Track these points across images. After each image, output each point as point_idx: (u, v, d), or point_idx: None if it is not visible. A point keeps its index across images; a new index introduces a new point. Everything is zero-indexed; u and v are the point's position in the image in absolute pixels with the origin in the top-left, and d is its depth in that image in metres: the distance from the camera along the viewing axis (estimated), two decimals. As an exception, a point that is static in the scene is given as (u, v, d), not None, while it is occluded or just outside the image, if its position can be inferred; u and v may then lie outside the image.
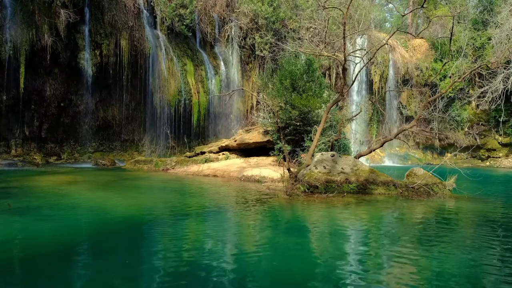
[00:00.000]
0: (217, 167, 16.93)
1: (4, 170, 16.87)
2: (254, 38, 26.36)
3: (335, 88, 26.63)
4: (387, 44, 25.85)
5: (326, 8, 13.97)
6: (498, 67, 25.08)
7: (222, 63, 26.13)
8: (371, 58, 15.83)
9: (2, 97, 20.18)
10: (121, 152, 24.29)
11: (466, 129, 28.89)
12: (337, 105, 16.38)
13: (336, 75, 28.32)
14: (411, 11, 31.63)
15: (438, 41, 29.10)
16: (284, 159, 13.27)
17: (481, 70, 24.40)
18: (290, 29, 26.74)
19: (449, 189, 11.05)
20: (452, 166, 12.18)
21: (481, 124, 28.81)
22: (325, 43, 14.75)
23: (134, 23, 22.87)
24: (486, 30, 27.70)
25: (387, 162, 28.40)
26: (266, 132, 18.42)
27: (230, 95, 21.91)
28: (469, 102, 28.34)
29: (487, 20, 27.63)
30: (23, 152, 21.29)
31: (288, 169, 10.82)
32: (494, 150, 28.59)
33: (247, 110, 27.37)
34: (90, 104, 23.00)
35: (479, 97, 26.24)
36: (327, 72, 28.33)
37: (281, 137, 12.35)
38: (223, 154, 19.70)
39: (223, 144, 20.01)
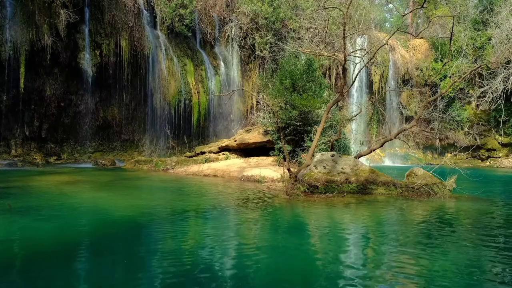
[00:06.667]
0: (217, 167, 16.93)
1: (4, 170, 16.87)
2: (254, 38, 26.35)
3: (335, 88, 26.62)
4: (387, 44, 25.84)
5: (326, 8, 13.98)
6: (498, 67, 25.08)
7: (222, 63, 26.12)
8: (371, 58, 15.83)
9: (2, 97, 20.17)
10: (121, 152, 24.28)
11: (466, 129, 28.88)
12: (337, 105, 16.37)
13: (336, 75, 28.31)
14: (411, 11, 31.64)
15: (438, 41, 29.09)
16: (284, 159, 13.27)
17: (481, 70, 24.38)
18: (290, 29, 26.74)
19: (449, 189, 11.05)
20: (452, 166, 12.18)
21: (481, 124, 28.80)
22: (325, 43, 14.76)
23: (134, 23, 22.86)
24: (486, 30, 27.68)
25: (387, 162, 28.39)
26: (266, 132, 18.42)
27: (230, 95, 21.92)
28: (469, 102, 28.33)
29: (487, 20, 27.62)
30: (23, 152, 21.28)
31: (288, 169, 10.82)
32: (494, 150, 28.58)
33: (247, 110, 27.36)
34: (90, 104, 22.99)
35: (479, 97, 26.24)
36: (327, 72, 28.32)
37: (281, 137, 12.35)
38: (223, 154, 19.69)
39: (223, 144, 20.00)
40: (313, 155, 11.61)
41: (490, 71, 25.43)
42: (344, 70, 12.12)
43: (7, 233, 6.19)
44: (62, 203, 9.00)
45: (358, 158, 12.42)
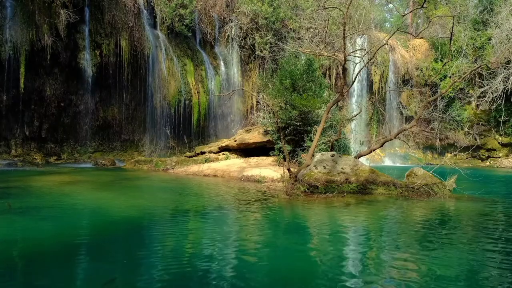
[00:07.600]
0: (217, 167, 16.93)
1: (4, 170, 16.87)
2: (254, 38, 26.35)
3: (335, 88, 26.63)
4: (387, 44, 25.85)
5: (326, 8, 13.99)
6: (498, 67, 25.09)
7: (222, 63, 26.13)
8: (371, 58, 15.83)
9: (2, 97, 20.17)
10: (121, 152, 24.29)
11: (466, 129, 28.88)
12: (337, 105, 16.37)
13: (336, 75, 28.31)
14: (411, 11, 31.64)
15: (438, 41, 29.09)
16: (284, 159, 13.27)
17: (481, 70, 24.39)
18: (290, 29, 26.74)
19: (449, 189, 11.04)
20: (452, 166, 12.18)
21: (481, 124, 28.80)
22: (325, 43, 14.77)
23: (134, 23, 22.87)
24: (486, 30, 27.69)
25: (387, 162, 28.39)
26: (266, 132, 18.42)
27: (230, 95, 21.92)
28: (469, 102, 28.33)
29: (487, 20, 27.62)
30: (23, 152, 21.28)
31: (288, 169, 10.82)
32: (494, 150, 28.58)
33: (247, 110, 27.36)
34: (90, 104, 23.00)
35: (479, 97, 26.25)
36: (327, 72, 28.33)
37: (281, 137, 12.34)
38: (223, 154, 19.69)
39: (223, 144, 20.00)
40: (313, 155, 11.61)
41: (490, 71, 25.43)
42: (344, 70, 12.13)
43: (7, 233, 6.19)
44: (62, 203, 9.00)
45: (358, 158, 12.42)
